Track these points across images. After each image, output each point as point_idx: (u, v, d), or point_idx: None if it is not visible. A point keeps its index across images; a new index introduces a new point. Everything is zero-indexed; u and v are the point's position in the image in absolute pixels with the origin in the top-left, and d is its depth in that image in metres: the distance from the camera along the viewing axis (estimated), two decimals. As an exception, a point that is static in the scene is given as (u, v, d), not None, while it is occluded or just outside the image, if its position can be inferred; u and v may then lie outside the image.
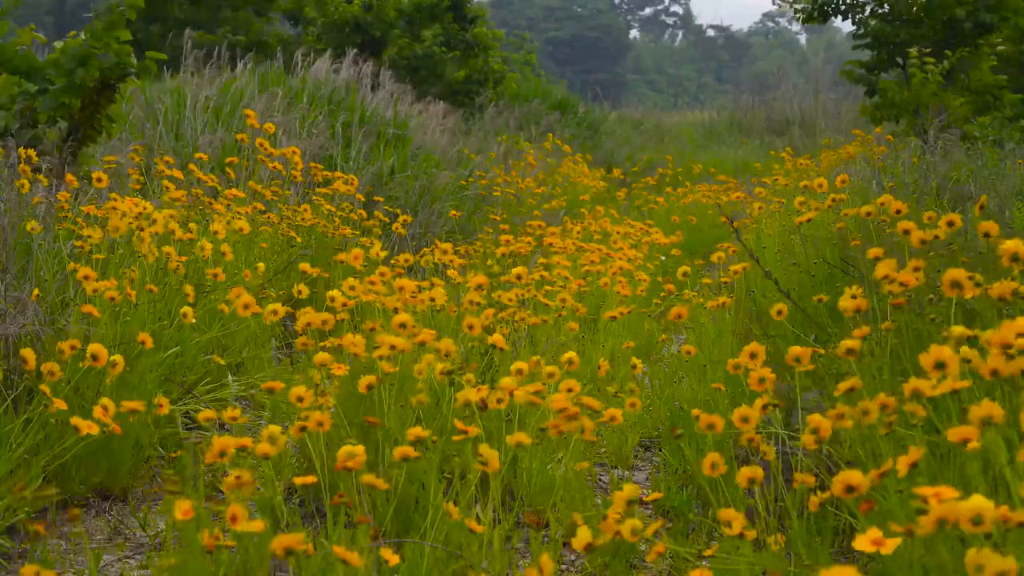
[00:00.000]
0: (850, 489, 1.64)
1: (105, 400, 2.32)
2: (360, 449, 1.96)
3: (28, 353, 2.48)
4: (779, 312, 2.99)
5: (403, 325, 2.83)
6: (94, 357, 2.53)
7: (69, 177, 4.02)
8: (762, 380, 2.35)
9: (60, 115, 4.97)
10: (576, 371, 3.30)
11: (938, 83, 8.57)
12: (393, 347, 2.67)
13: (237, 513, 1.77)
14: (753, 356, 2.45)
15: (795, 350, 2.37)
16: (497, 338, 2.90)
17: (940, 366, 1.85)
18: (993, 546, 1.37)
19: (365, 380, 2.52)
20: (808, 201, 4.65)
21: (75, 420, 2.22)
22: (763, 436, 2.46)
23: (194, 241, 4.03)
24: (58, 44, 5.00)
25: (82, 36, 4.95)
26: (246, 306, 3.21)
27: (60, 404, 2.38)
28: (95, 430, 2.26)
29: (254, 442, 2.03)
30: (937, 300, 2.66)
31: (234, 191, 4.98)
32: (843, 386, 2.02)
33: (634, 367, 3.44)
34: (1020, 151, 6.09)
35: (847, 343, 2.26)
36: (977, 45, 9.52)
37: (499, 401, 2.46)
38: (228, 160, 5.56)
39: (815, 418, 1.88)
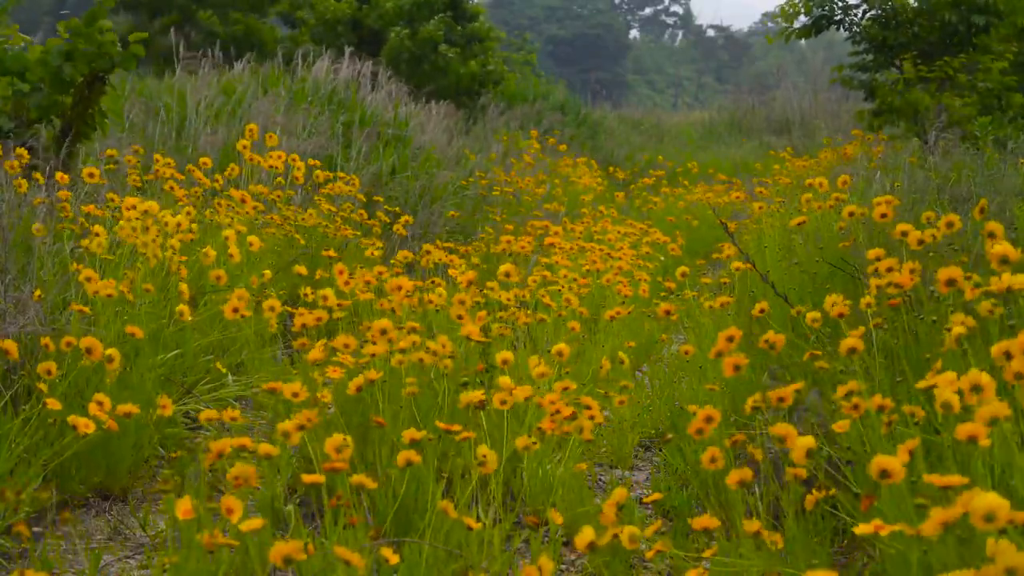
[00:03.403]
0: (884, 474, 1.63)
1: (100, 396, 2.32)
2: (348, 439, 1.96)
3: (10, 345, 2.47)
4: (761, 311, 2.99)
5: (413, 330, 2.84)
6: (88, 351, 2.52)
7: (60, 176, 4.01)
8: (737, 367, 2.32)
9: (53, 112, 4.97)
10: (574, 370, 3.29)
11: (933, 91, 8.58)
12: (395, 345, 2.67)
13: (232, 506, 1.77)
14: (730, 340, 2.41)
15: (769, 336, 2.35)
16: (472, 330, 2.90)
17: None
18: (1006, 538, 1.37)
19: (355, 382, 2.52)
20: (812, 202, 4.65)
21: (73, 418, 2.22)
22: (763, 436, 2.46)
23: (196, 242, 4.03)
24: (34, 49, 5.01)
25: (63, 33, 4.95)
26: (235, 309, 3.20)
27: (54, 404, 2.38)
28: (91, 428, 2.26)
29: (255, 442, 2.03)
30: (936, 300, 2.66)
31: (241, 192, 4.98)
32: (843, 389, 2.02)
33: (622, 362, 3.43)
34: (1021, 150, 6.08)
35: (849, 342, 2.25)
36: (974, 46, 9.50)
37: (503, 403, 2.46)
38: (229, 169, 5.55)
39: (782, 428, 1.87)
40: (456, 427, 2.18)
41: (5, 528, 2.48)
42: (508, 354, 2.90)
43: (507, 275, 3.78)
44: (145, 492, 3.07)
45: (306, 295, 3.81)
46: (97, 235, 3.50)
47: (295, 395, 2.32)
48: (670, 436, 2.55)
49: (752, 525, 1.90)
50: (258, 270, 4.26)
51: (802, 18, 10.54)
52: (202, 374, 3.76)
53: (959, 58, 8.85)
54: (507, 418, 2.85)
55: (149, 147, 6.45)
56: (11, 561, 2.51)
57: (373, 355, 2.71)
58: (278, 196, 5.53)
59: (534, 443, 2.36)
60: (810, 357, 2.64)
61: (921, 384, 1.91)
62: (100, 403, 2.28)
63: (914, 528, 1.52)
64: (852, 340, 2.23)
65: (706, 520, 1.76)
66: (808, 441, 1.85)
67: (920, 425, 2.05)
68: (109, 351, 2.57)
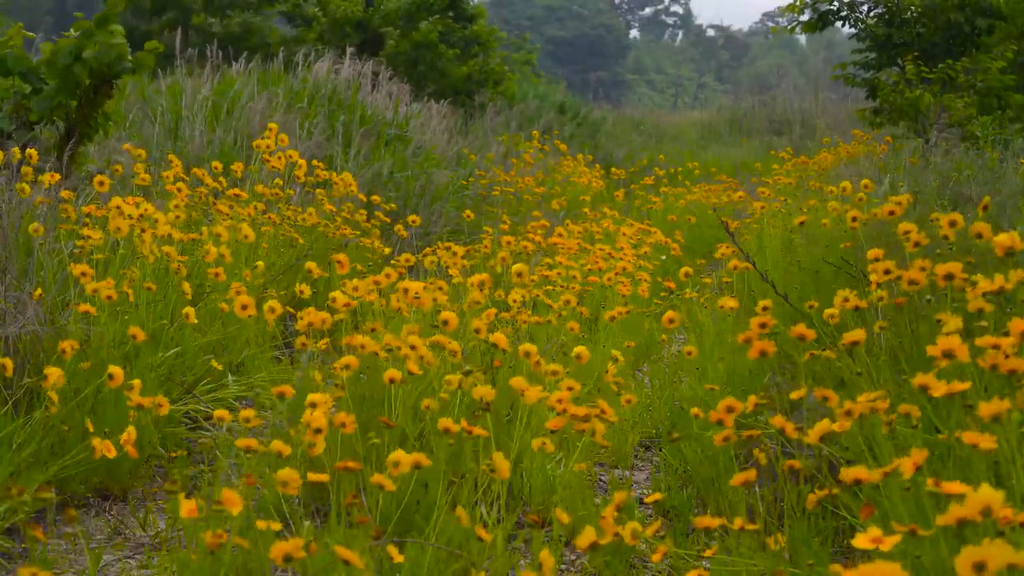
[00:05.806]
0: (857, 483, 1.64)
1: (131, 429, 2.34)
2: (414, 456, 1.97)
3: (6, 362, 2.48)
4: (764, 308, 2.98)
5: (445, 322, 2.85)
6: (111, 377, 2.54)
7: (60, 176, 4.01)
8: (763, 353, 2.31)
9: (57, 115, 4.95)
10: (574, 369, 3.28)
11: (935, 91, 8.59)
12: (413, 347, 2.69)
13: (234, 500, 1.77)
14: (763, 326, 2.41)
15: (800, 328, 2.35)
16: (499, 337, 2.90)
17: (948, 355, 1.85)
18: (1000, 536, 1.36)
19: (389, 373, 2.52)
20: (826, 205, 4.66)
21: (95, 442, 2.25)
22: (763, 435, 2.46)
23: (196, 242, 4.02)
24: (45, 46, 4.98)
25: (73, 33, 4.93)
26: (244, 307, 3.21)
27: (58, 410, 2.38)
28: (113, 453, 2.29)
29: (261, 443, 2.03)
30: (936, 300, 2.66)
31: (236, 190, 4.98)
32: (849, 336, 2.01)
33: (615, 360, 3.42)
34: (1023, 150, 6.08)
35: (851, 336, 2.25)
36: (977, 47, 9.53)
37: (511, 409, 2.47)
38: (221, 164, 5.55)
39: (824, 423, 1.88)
40: (484, 432, 2.18)
41: (5, 528, 2.48)
42: (501, 337, 2.90)
43: (519, 275, 3.78)
44: (145, 492, 3.07)
45: (302, 291, 3.81)
46: (89, 237, 3.49)
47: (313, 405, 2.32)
48: (676, 435, 2.55)
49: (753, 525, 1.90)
50: (255, 268, 4.26)
51: (806, 12, 10.57)
52: (202, 373, 3.76)
53: (962, 61, 8.86)
54: (510, 418, 2.85)
55: (147, 147, 6.45)
56: (11, 561, 2.51)
57: (414, 347, 2.71)
58: (279, 194, 5.53)
59: (544, 445, 2.35)
60: (811, 356, 2.63)
61: (917, 381, 1.91)
62: (128, 435, 2.31)
63: (907, 527, 1.52)
64: (854, 333, 2.23)
65: (708, 520, 1.76)
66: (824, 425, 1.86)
67: (920, 425, 2.05)
68: (133, 381, 2.58)
